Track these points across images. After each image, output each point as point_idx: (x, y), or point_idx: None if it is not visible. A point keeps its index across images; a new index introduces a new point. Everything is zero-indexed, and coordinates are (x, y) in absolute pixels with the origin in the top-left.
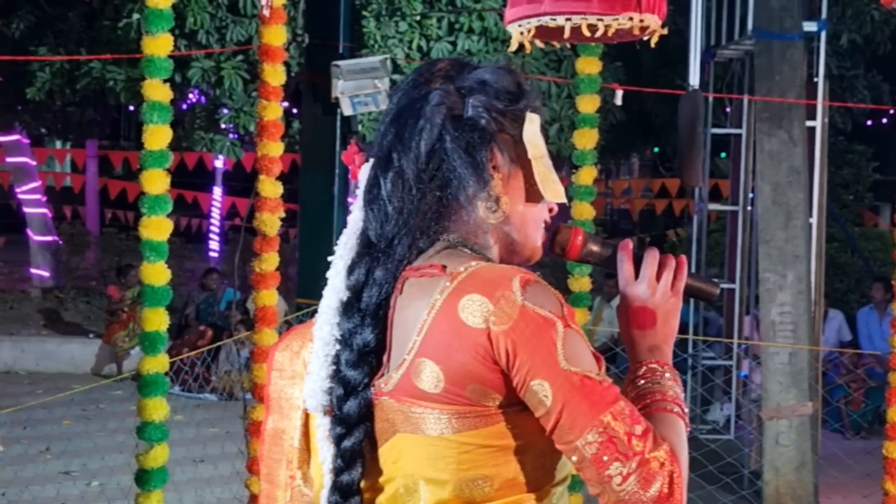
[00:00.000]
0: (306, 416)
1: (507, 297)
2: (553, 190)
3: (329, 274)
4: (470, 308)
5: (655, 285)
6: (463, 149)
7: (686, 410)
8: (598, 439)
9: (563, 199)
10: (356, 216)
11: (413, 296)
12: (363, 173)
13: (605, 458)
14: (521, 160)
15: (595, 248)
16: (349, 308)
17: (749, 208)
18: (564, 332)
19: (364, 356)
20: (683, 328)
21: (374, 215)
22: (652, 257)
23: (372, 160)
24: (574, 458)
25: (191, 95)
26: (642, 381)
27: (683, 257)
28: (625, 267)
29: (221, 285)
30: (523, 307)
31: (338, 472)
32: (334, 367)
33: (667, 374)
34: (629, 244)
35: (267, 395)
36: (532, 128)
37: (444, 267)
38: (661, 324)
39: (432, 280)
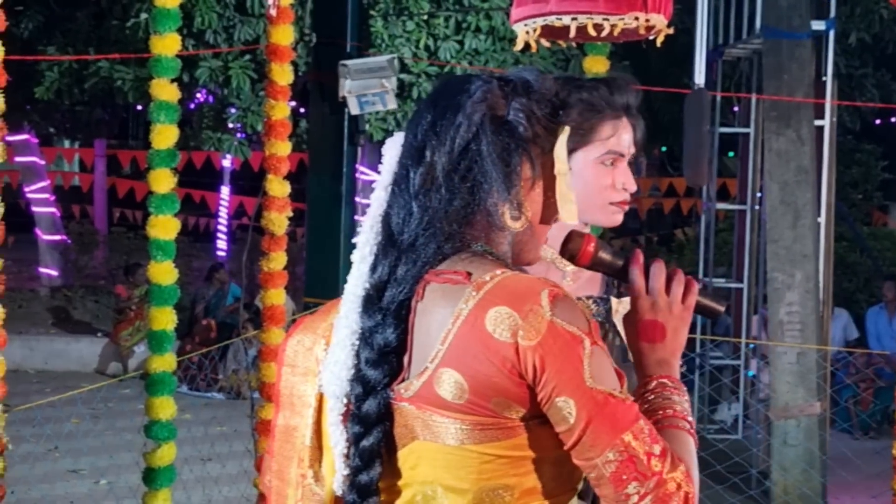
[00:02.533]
0: (318, 414)
1: (535, 312)
2: (569, 210)
3: (353, 258)
4: (498, 321)
5: (666, 299)
6: (498, 153)
7: (694, 424)
8: (618, 458)
9: (577, 221)
10: (379, 196)
11: (436, 302)
12: (389, 148)
13: (624, 477)
14: (546, 173)
15: (606, 256)
16: (370, 304)
17: (757, 207)
18: (591, 350)
19: (385, 356)
20: (691, 328)
21: (400, 206)
22: (660, 269)
23: (402, 143)
24: (592, 475)
25: (198, 95)
26: (652, 396)
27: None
28: (636, 279)
29: (228, 281)
30: (552, 322)
31: (356, 471)
32: (355, 362)
33: (676, 389)
34: (640, 256)
35: (277, 390)
36: (562, 142)
37: (469, 274)
38: (671, 338)
39: (456, 287)
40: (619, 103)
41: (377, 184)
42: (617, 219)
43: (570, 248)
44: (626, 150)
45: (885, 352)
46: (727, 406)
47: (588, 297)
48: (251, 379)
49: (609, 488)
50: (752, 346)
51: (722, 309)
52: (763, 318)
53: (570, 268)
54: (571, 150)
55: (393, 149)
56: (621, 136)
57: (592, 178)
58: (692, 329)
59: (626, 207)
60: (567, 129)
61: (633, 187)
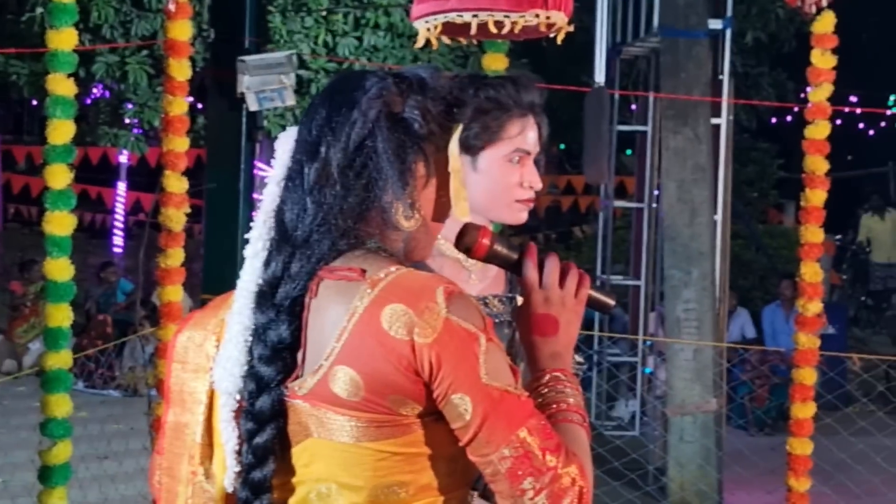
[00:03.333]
0: (209, 411)
1: (431, 309)
2: (462, 207)
3: (246, 254)
4: (394, 318)
5: (559, 292)
6: (393, 150)
7: (587, 417)
8: (514, 454)
9: (469, 218)
10: (272, 191)
11: (330, 299)
12: (282, 143)
13: (520, 472)
14: (440, 170)
15: (501, 250)
16: (264, 301)
17: (654, 205)
18: (487, 346)
19: (278, 353)
20: (589, 324)
21: (294, 202)
22: (554, 264)
23: (296, 137)
24: (488, 471)
25: (95, 90)
26: (546, 390)
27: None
28: (530, 273)
29: (118, 278)
30: (448, 320)
31: (249, 468)
32: (249, 359)
33: (568, 382)
34: (535, 250)
35: (168, 387)
36: (455, 140)
37: (364, 271)
38: (564, 331)
39: (351, 284)
40: (526, 101)
41: (270, 179)
42: (522, 216)
43: (466, 241)
44: (533, 148)
45: (781, 349)
46: (624, 403)
47: (494, 296)
48: (148, 376)
49: (505, 484)
50: (649, 342)
51: (613, 303)
52: (660, 315)
53: (477, 266)
54: (480, 149)
55: (286, 143)
56: (528, 133)
57: (500, 175)
58: (590, 326)
59: (531, 205)
60: (461, 127)
61: (539, 185)
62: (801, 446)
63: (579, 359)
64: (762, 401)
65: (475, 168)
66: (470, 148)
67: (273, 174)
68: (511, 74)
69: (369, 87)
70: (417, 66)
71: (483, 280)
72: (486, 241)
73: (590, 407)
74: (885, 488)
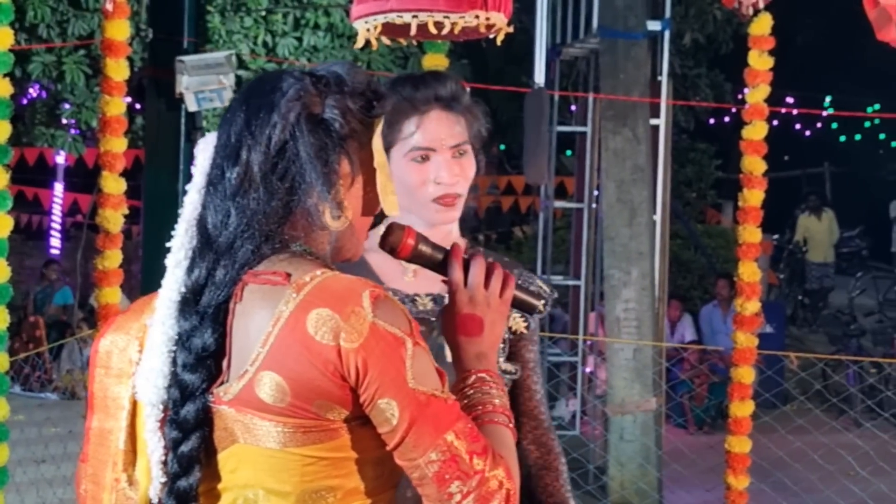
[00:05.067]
0: (132, 417)
1: (357, 314)
2: (391, 202)
3: (167, 262)
4: (319, 323)
5: (484, 293)
6: (315, 152)
7: (512, 418)
8: (441, 458)
9: (398, 212)
10: (193, 199)
11: (254, 304)
12: (202, 148)
13: (447, 476)
14: (365, 167)
15: (426, 250)
16: (187, 307)
17: (594, 206)
18: (413, 351)
19: (203, 360)
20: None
21: (216, 208)
22: (479, 264)
23: (215, 143)
24: (415, 475)
25: (31, 90)
26: (471, 391)
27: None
28: (455, 273)
29: (60, 279)
30: (374, 324)
31: (175, 477)
32: (172, 369)
33: (494, 383)
34: (460, 250)
35: (91, 393)
36: (378, 134)
37: (288, 275)
38: (488, 331)
39: (275, 289)
40: (422, 97)
41: (190, 186)
42: (445, 216)
43: (391, 241)
44: (438, 143)
45: (719, 348)
46: (565, 402)
47: (427, 294)
48: (86, 379)
49: (432, 488)
50: (589, 342)
51: (538, 304)
52: (600, 314)
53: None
54: (385, 150)
55: (206, 150)
56: (427, 129)
57: (405, 175)
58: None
59: (454, 202)
60: (382, 121)
61: (448, 179)
62: (740, 444)
63: (510, 367)
64: (701, 399)
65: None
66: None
67: (194, 181)
68: (417, 72)
69: (286, 89)
70: (333, 63)
71: (418, 277)
72: (410, 241)
73: None
74: (822, 485)
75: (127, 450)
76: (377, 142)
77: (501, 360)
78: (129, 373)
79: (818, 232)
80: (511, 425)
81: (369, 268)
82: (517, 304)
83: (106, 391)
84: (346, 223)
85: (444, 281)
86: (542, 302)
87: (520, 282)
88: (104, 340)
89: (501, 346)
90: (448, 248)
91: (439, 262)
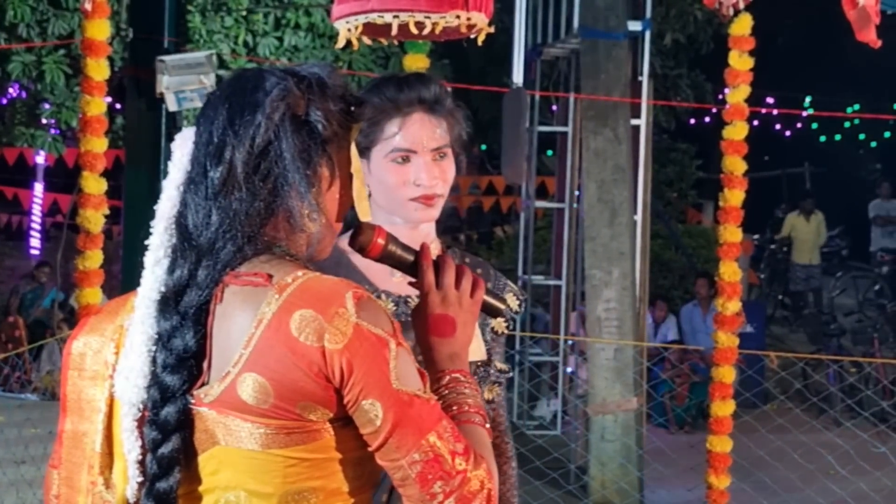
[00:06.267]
0: (108, 420)
1: (341, 315)
2: (364, 207)
3: (146, 261)
4: (303, 324)
5: (455, 293)
6: (298, 154)
7: (487, 418)
8: (424, 458)
9: (370, 218)
10: (172, 196)
11: (236, 305)
12: (179, 144)
13: (430, 476)
14: (342, 170)
15: (396, 250)
16: (167, 308)
17: (575, 206)
18: (396, 351)
19: (183, 361)
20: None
21: (197, 206)
22: (449, 266)
23: (194, 140)
24: (397, 476)
25: (11, 90)
26: (446, 392)
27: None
28: (426, 274)
29: (51, 281)
30: (358, 325)
31: (154, 478)
32: (152, 369)
33: (468, 383)
34: (430, 251)
35: (64, 395)
36: (354, 139)
37: (270, 276)
38: (461, 331)
39: (257, 290)
40: (405, 99)
41: (168, 182)
42: (424, 214)
43: (361, 241)
44: (419, 146)
45: (700, 347)
46: (546, 402)
47: (419, 296)
48: None
49: (415, 488)
50: (570, 342)
51: (503, 307)
52: (581, 314)
53: None
54: (367, 150)
55: (183, 146)
56: (409, 131)
57: (385, 176)
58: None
59: (432, 202)
60: (359, 126)
61: (428, 181)
62: (721, 444)
63: (504, 366)
64: (682, 399)
65: (369, 169)
66: (360, 150)
67: (172, 178)
68: (401, 73)
69: (270, 89)
70: (313, 64)
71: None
72: (380, 241)
73: (511, 406)
74: (802, 484)
75: (103, 452)
76: (353, 146)
77: (499, 360)
78: (105, 375)
79: (805, 232)
80: (487, 426)
81: (358, 270)
82: (484, 308)
83: (80, 393)
84: (323, 225)
85: (411, 283)
86: (505, 307)
87: (489, 285)
88: (77, 342)
89: (497, 347)
90: (417, 249)
91: (409, 263)
